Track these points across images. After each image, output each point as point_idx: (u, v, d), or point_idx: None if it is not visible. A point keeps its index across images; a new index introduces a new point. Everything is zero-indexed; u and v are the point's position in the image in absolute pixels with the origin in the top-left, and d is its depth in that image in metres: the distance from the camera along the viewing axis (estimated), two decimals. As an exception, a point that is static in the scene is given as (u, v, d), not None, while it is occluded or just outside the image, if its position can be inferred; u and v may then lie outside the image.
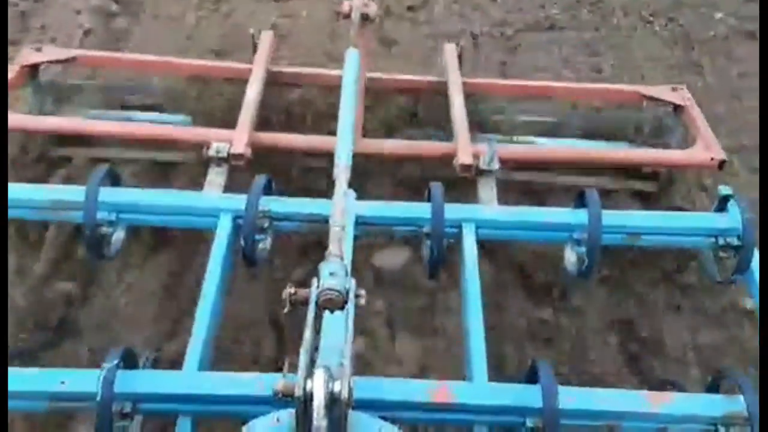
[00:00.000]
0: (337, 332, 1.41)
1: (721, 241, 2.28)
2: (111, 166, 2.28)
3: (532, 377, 1.84)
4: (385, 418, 1.55)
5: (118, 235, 2.28)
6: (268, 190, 2.25)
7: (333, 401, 1.24)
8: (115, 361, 1.71)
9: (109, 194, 2.21)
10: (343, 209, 1.56)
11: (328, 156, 1.87)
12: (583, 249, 2.24)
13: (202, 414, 1.82)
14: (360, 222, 2.21)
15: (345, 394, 1.24)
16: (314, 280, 1.37)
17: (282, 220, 2.27)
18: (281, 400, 1.28)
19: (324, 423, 1.20)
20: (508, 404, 1.78)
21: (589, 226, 2.17)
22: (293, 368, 1.32)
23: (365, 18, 2.38)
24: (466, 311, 2.06)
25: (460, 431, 2.13)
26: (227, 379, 1.83)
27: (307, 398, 1.24)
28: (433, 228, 2.17)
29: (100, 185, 2.17)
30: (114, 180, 2.29)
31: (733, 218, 2.28)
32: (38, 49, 2.82)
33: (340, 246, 1.45)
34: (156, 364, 1.93)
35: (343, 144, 1.82)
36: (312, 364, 1.32)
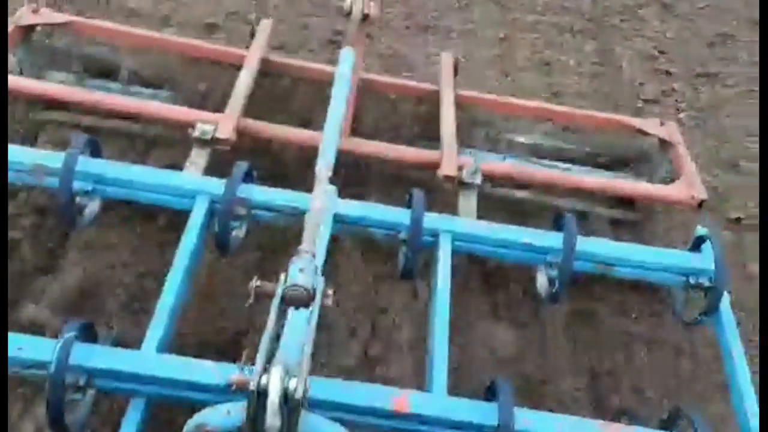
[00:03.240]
0: (299, 329, 1.40)
1: (692, 281, 2.30)
2: (92, 136, 2.25)
3: (491, 395, 1.83)
4: (341, 420, 1.54)
5: (93, 207, 2.25)
6: (248, 177, 2.23)
7: (287, 399, 1.23)
8: (73, 333, 1.68)
9: (87, 164, 2.19)
10: (322, 206, 1.56)
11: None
12: (555, 272, 2.24)
13: (156, 396, 1.79)
14: (338, 220, 2.19)
15: (300, 393, 1.22)
16: (282, 275, 1.36)
17: (259, 209, 2.25)
18: (235, 392, 1.26)
19: (277, 421, 1.19)
20: (464, 420, 1.77)
21: (563, 251, 2.17)
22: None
23: (365, 18, 2.38)
24: (432, 321, 2.04)
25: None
26: (185, 364, 1.79)
27: (261, 393, 1.23)
28: (410, 236, 2.16)
29: (80, 154, 2.14)
30: (94, 150, 2.26)
31: (706, 259, 2.29)
32: (35, 11, 2.78)
33: (313, 242, 1.43)
34: (116, 343, 1.90)
35: (329, 142, 1.81)
36: (270, 359, 1.30)
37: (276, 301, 1.36)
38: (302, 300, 1.31)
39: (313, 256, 1.39)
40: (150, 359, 1.80)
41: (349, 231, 2.29)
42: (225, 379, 1.70)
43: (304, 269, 1.32)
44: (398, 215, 2.25)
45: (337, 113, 1.93)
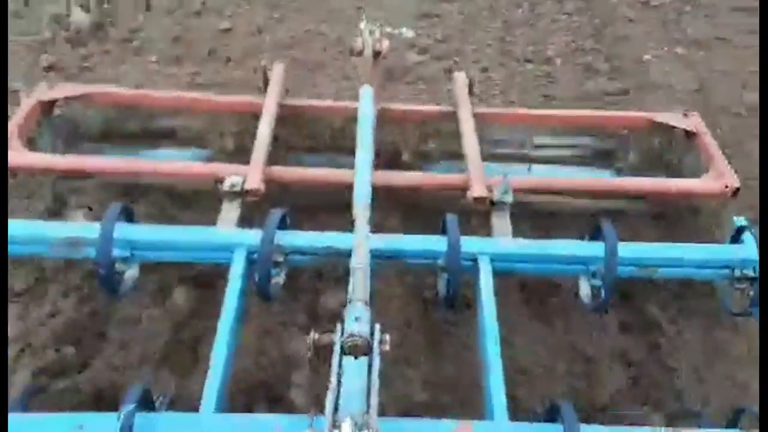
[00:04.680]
0: (360, 377, 1.40)
1: (737, 273, 2.27)
2: (126, 203, 2.28)
3: (551, 416, 1.82)
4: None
5: (132, 273, 2.27)
6: (282, 224, 2.24)
7: (360, 451, 1.23)
8: (133, 405, 1.69)
9: (123, 231, 2.21)
10: (364, 250, 1.56)
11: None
12: (598, 281, 2.23)
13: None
14: (374, 255, 2.19)
15: (373, 445, 1.23)
16: (338, 325, 1.37)
17: (296, 254, 2.26)
18: (309, 449, 1.26)
19: (354, 475, 1.19)
20: (530, 444, 1.76)
21: (606, 258, 2.16)
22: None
23: (377, 55, 2.39)
24: (483, 347, 2.03)
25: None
26: (245, 420, 1.80)
27: (335, 449, 1.23)
28: (448, 261, 2.16)
29: (115, 222, 2.17)
30: (129, 216, 2.29)
31: (749, 250, 2.27)
32: (52, 87, 2.84)
33: (364, 289, 1.44)
34: (172, 405, 1.92)
35: (361, 183, 1.81)
36: (337, 411, 1.31)
37: (336, 352, 1.37)
38: (361, 349, 1.31)
39: (366, 304, 1.39)
40: (211, 420, 1.81)
41: (386, 265, 2.29)
42: (288, 430, 1.71)
43: (359, 318, 1.33)
44: (434, 243, 2.25)
45: (365, 153, 1.94)
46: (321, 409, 1.35)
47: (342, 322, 1.35)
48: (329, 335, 1.39)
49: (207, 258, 2.32)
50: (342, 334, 1.32)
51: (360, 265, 1.50)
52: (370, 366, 1.38)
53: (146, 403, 1.78)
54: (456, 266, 2.15)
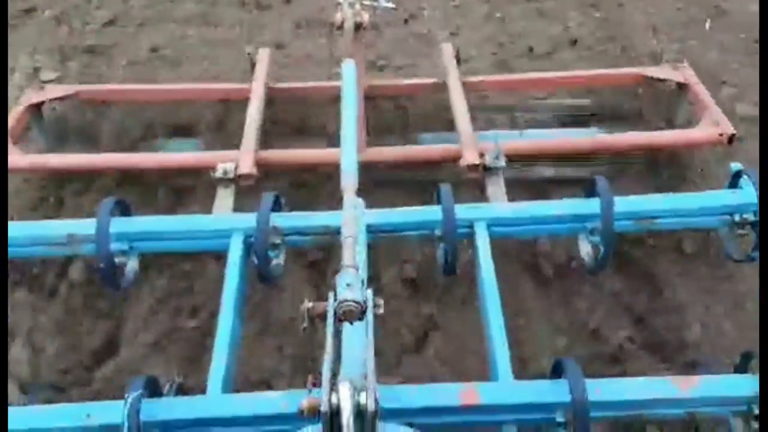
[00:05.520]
0: (356, 343, 1.41)
1: (737, 218, 2.26)
2: (120, 197, 2.29)
3: (556, 374, 1.82)
4: (413, 425, 1.54)
5: (132, 265, 2.28)
6: (276, 207, 2.24)
7: (360, 413, 1.23)
8: (139, 391, 1.70)
9: (120, 224, 2.22)
10: (353, 220, 1.56)
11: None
12: (597, 238, 2.22)
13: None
14: (371, 230, 2.20)
15: (372, 406, 1.22)
16: (331, 293, 1.37)
17: (293, 235, 2.27)
18: (307, 417, 1.26)
19: (354, 436, 1.19)
20: (536, 401, 1.76)
21: (602, 214, 2.14)
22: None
23: (358, 27, 2.37)
24: (485, 311, 2.04)
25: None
26: (252, 399, 1.82)
27: (334, 412, 1.23)
28: (445, 230, 2.15)
29: (111, 216, 2.17)
30: (124, 209, 2.30)
31: (747, 194, 2.25)
32: (41, 89, 2.84)
33: (354, 256, 1.43)
34: (180, 391, 1.92)
35: (348, 157, 1.81)
36: (335, 377, 1.31)
37: (330, 320, 1.37)
38: (355, 314, 1.31)
39: (356, 270, 1.39)
40: (218, 401, 1.82)
41: (384, 239, 2.29)
42: (294, 406, 1.72)
43: (351, 284, 1.33)
44: (429, 213, 2.24)
45: (350, 127, 1.94)
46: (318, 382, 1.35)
47: (335, 289, 1.35)
48: (323, 303, 1.39)
49: (206, 246, 2.32)
50: (335, 300, 1.32)
51: (348, 235, 1.49)
52: (365, 331, 1.39)
53: (154, 391, 1.80)
54: (453, 234, 2.15)
